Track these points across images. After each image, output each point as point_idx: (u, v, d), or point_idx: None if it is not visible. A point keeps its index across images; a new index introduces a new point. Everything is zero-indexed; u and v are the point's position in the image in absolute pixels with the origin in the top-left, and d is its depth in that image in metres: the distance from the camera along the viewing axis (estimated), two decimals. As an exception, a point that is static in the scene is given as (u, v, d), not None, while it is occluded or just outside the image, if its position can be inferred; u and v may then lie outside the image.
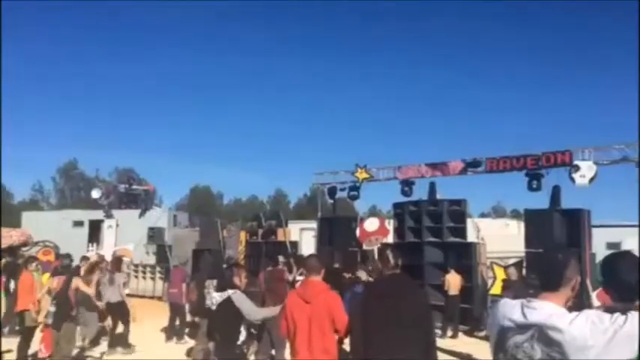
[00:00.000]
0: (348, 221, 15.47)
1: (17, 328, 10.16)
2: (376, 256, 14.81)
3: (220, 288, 5.61)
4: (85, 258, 11.76)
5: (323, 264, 4.80)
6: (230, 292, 5.39)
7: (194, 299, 11.12)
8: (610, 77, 74.66)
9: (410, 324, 3.98)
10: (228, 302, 5.30)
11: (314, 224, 17.37)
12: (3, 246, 19.34)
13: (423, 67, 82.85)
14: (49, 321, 8.02)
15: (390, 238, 14.28)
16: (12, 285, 10.87)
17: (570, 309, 2.32)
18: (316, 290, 4.54)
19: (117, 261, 11.27)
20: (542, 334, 2.24)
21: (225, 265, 10.06)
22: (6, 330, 11.03)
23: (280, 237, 16.33)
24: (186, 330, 11.41)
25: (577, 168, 12.19)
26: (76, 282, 8.30)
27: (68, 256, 9.29)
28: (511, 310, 2.40)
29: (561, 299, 2.36)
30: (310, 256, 5.33)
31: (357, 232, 14.50)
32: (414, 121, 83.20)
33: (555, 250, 2.55)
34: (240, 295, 5.44)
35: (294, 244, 16.55)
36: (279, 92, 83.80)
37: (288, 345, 8.42)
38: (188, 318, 11.34)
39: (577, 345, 2.13)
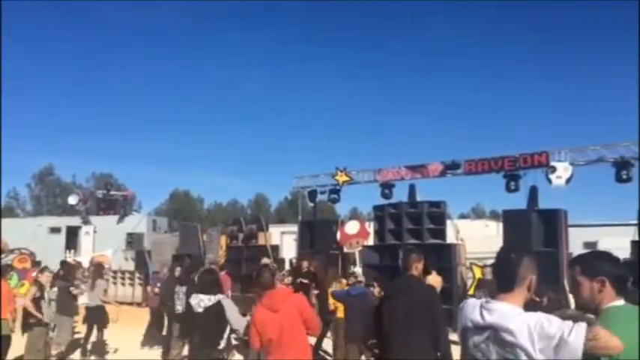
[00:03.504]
0: (328, 224, 15.47)
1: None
2: (357, 259, 14.86)
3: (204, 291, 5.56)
4: (64, 263, 11.67)
5: (273, 279, 4.92)
6: (220, 296, 5.40)
7: (155, 304, 11.23)
8: (586, 78, 75.86)
9: (420, 324, 4.21)
10: (216, 306, 5.29)
11: (295, 228, 17.35)
12: (-23, 254, 18.97)
13: (401, 69, 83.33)
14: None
15: (370, 241, 14.33)
16: None
17: (547, 308, 2.35)
18: (281, 297, 4.61)
19: (98, 267, 11.28)
20: (496, 335, 2.27)
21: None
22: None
23: (261, 241, 16.26)
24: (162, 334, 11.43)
25: (553, 169, 12.37)
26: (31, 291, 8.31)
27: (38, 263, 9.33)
28: (472, 310, 2.44)
29: (518, 299, 2.37)
30: (262, 273, 5.11)
31: (338, 235, 14.52)
32: (393, 123, 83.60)
33: (508, 250, 2.55)
34: (230, 301, 5.48)
35: (275, 248, 16.50)
36: (257, 95, 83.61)
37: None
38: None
39: (527, 347, 2.16)
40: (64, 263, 11.64)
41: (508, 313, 2.28)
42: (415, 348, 4.20)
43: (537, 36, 77.60)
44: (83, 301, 10.43)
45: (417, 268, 4.75)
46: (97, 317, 10.02)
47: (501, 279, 2.46)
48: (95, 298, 10.10)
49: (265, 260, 12.71)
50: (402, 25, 78.06)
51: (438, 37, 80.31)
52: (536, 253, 2.62)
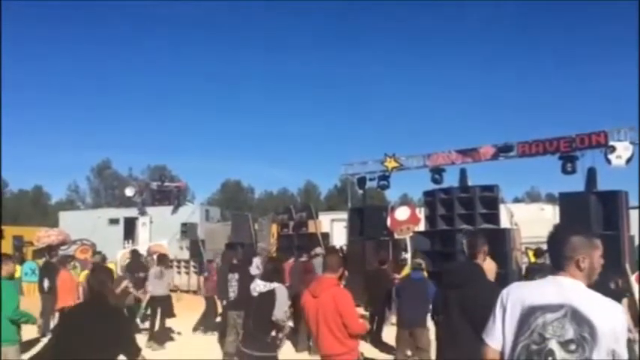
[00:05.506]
0: (378, 211, 15.40)
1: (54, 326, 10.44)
2: (408, 245, 14.71)
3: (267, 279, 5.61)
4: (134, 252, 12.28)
5: (341, 264, 4.79)
6: (276, 285, 5.47)
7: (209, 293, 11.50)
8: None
9: (474, 322, 3.76)
10: (270, 293, 5.38)
11: (345, 215, 17.35)
12: (42, 245, 19.94)
13: (449, 53, 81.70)
14: None
15: (421, 227, 14.18)
16: (46, 284, 11.13)
17: (607, 291, 2.33)
18: (324, 285, 4.62)
19: (163, 257, 11.44)
20: (574, 313, 2.25)
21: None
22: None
23: (311, 229, 16.36)
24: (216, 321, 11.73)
25: (613, 149, 11.87)
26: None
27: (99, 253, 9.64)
28: (540, 290, 2.39)
29: (580, 278, 2.35)
30: (331, 254, 5.23)
31: (388, 221, 14.42)
32: (442, 107, 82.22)
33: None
34: (285, 291, 5.53)
35: (326, 236, 16.57)
36: (305, 84, 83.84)
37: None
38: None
39: (605, 330, 2.19)
40: (134, 252, 12.13)
41: (583, 293, 2.29)
42: (465, 347, 3.74)
43: (592, 10, 74.45)
44: (148, 289, 10.72)
45: (484, 252, 4.45)
46: (163, 305, 10.40)
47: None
48: (162, 287, 10.45)
49: (318, 249, 12.81)
50: (451, 7, 76.38)
51: (483, 17, 78.25)
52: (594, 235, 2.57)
